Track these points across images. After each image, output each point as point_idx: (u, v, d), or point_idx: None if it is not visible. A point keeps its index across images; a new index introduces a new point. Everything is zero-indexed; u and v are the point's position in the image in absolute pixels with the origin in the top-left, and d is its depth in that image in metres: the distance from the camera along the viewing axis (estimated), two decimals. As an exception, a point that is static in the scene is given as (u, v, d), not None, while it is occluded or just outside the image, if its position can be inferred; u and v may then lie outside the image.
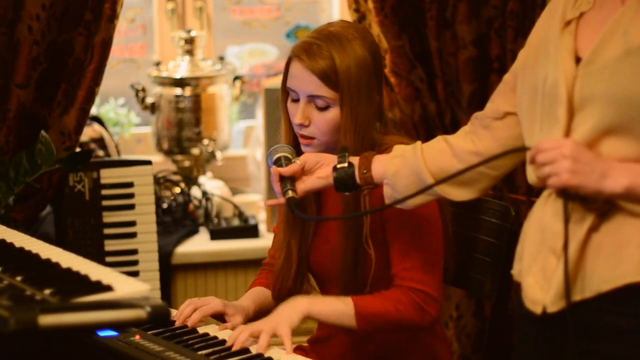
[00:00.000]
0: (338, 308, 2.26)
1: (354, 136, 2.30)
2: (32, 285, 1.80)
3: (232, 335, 2.19)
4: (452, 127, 3.29)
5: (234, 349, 2.15)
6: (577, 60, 1.90)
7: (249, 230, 3.54)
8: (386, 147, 2.30)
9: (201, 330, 2.27)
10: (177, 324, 2.30)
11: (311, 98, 2.31)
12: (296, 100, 2.34)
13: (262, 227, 3.56)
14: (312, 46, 2.31)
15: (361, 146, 2.29)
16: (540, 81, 1.93)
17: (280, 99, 2.42)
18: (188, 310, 2.32)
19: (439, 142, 2.18)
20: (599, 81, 1.84)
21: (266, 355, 2.13)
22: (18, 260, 2.03)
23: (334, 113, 2.31)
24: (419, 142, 2.20)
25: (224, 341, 2.19)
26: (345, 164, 2.20)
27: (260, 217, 3.62)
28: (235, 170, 3.96)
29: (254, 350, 2.15)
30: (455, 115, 3.37)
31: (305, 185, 2.24)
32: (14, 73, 3.03)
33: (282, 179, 2.22)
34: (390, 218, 2.32)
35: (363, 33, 2.36)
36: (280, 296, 2.40)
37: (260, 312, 2.43)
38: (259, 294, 2.49)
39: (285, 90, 2.38)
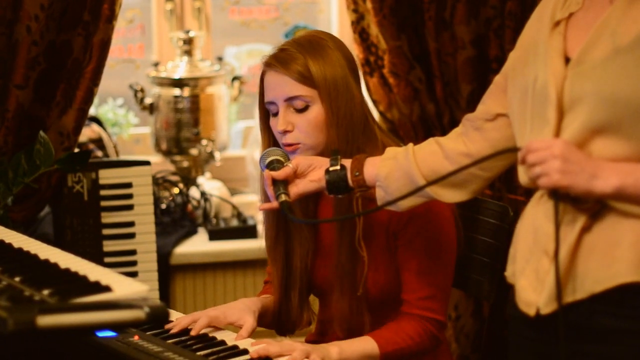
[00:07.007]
0: (363, 352, 2.27)
1: (337, 130, 2.29)
2: (31, 285, 1.80)
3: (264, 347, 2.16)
4: (450, 128, 3.28)
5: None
6: (567, 60, 1.90)
7: (248, 231, 3.54)
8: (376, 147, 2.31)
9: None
10: (172, 332, 2.24)
11: (289, 101, 2.31)
12: (276, 114, 2.34)
13: (261, 228, 3.55)
14: (283, 53, 2.32)
15: (346, 141, 2.29)
16: (530, 82, 1.94)
17: (259, 119, 2.40)
18: (185, 322, 2.27)
19: (430, 144, 2.18)
20: (588, 81, 1.85)
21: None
22: (17, 261, 2.03)
23: (314, 112, 2.31)
24: (410, 144, 2.20)
25: (222, 342, 2.19)
26: (338, 167, 2.20)
27: (259, 218, 3.62)
28: (234, 171, 3.96)
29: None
30: (454, 116, 3.37)
31: (298, 188, 2.23)
32: (12, 73, 3.03)
33: (275, 182, 2.21)
34: (407, 233, 2.32)
35: (331, 36, 2.38)
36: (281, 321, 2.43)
37: (264, 317, 2.42)
38: (268, 298, 2.47)
39: (263, 109, 2.38)
